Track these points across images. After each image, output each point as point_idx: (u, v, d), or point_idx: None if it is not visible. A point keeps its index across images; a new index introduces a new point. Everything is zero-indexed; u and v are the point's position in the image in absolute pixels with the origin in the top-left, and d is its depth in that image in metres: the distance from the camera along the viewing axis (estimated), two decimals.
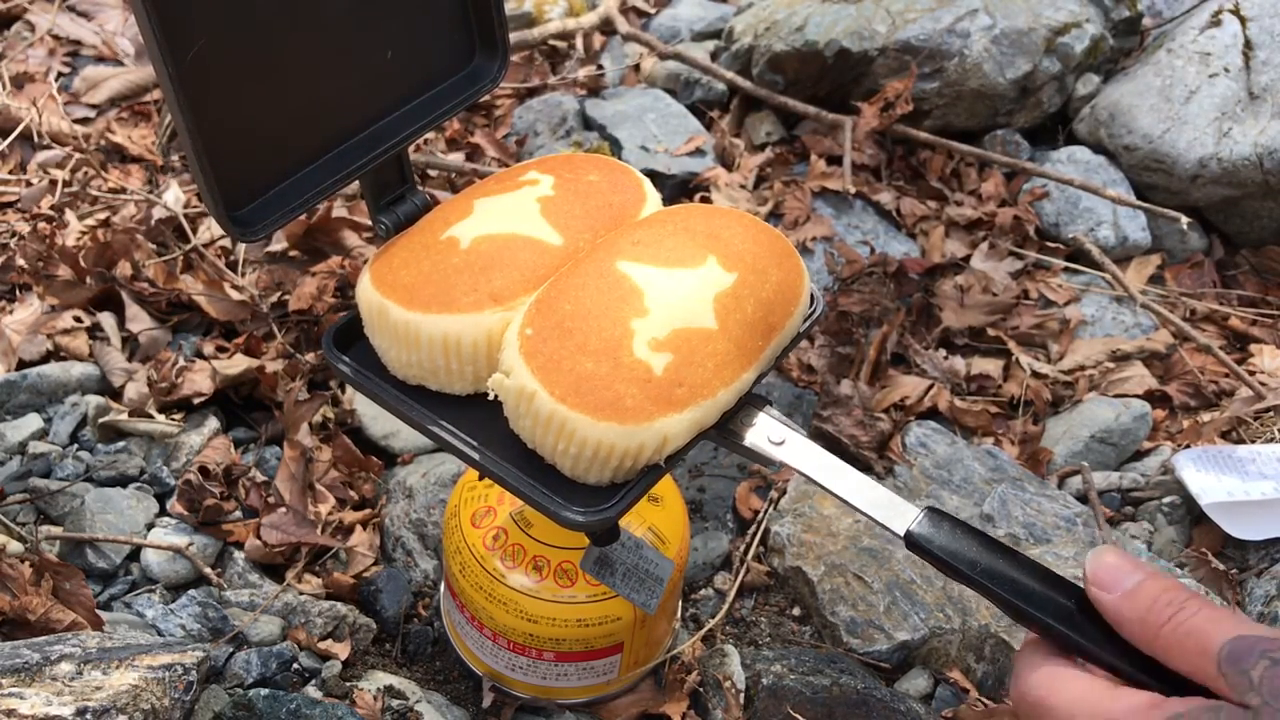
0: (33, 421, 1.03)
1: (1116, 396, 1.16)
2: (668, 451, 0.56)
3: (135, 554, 0.91)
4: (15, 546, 0.89)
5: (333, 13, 0.59)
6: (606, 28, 1.71)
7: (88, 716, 0.64)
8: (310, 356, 1.09)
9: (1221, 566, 0.96)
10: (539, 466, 0.57)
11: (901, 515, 0.54)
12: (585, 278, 0.60)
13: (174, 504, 0.94)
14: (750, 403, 0.60)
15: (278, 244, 1.23)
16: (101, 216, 1.25)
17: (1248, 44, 1.41)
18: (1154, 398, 1.17)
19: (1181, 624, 0.45)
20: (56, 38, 1.63)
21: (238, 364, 1.06)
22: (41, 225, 1.23)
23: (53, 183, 1.31)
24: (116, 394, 1.07)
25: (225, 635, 0.84)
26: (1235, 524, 0.98)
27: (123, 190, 1.30)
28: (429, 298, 0.60)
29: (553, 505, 0.56)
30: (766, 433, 0.59)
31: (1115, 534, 0.98)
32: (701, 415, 0.57)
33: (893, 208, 1.39)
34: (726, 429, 0.59)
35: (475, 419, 0.59)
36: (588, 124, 1.51)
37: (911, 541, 0.53)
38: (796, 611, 0.95)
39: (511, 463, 0.57)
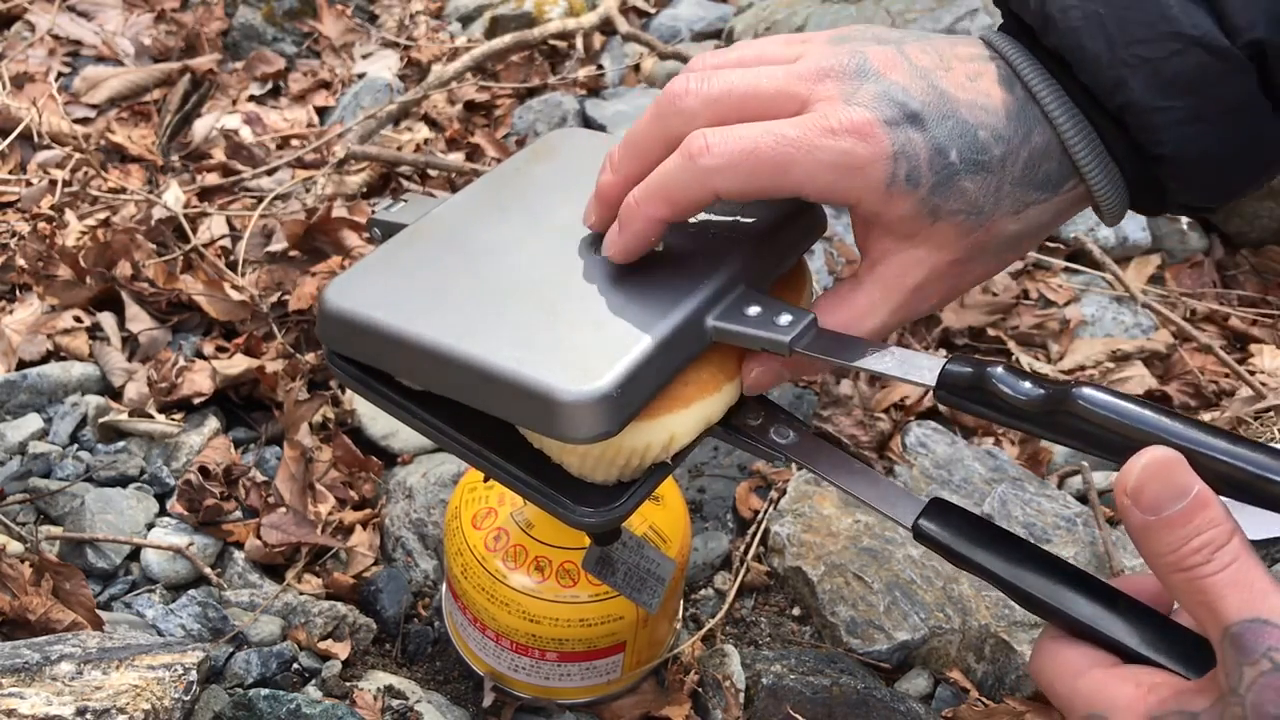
0: (33, 421, 1.02)
1: None
2: (675, 449, 0.56)
3: (135, 554, 0.91)
4: (15, 546, 0.88)
5: None
6: (606, 28, 1.71)
7: (88, 716, 0.64)
8: (310, 357, 1.09)
9: None
10: (545, 466, 0.57)
11: (907, 508, 0.54)
12: None
13: (174, 504, 0.94)
14: (754, 398, 0.60)
15: (278, 244, 1.23)
16: (101, 216, 1.25)
17: None
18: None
19: (1201, 578, 0.41)
20: (56, 38, 1.63)
21: (238, 364, 1.06)
22: (41, 225, 1.23)
23: (53, 183, 1.31)
24: (116, 394, 1.07)
25: (225, 635, 0.84)
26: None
27: (123, 190, 1.30)
28: None
29: (560, 506, 0.55)
30: (771, 428, 0.59)
31: (1115, 534, 0.98)
32: (707, 411, 0.56)
33: None
34: (731, 425, 0.59)
35: (479, 420, 0.58)
36: (588, 124, 1.51)
37: (919, 533, 0.53)
38: (796, 611, 0.95)
39: (517, 464, 0.57)
